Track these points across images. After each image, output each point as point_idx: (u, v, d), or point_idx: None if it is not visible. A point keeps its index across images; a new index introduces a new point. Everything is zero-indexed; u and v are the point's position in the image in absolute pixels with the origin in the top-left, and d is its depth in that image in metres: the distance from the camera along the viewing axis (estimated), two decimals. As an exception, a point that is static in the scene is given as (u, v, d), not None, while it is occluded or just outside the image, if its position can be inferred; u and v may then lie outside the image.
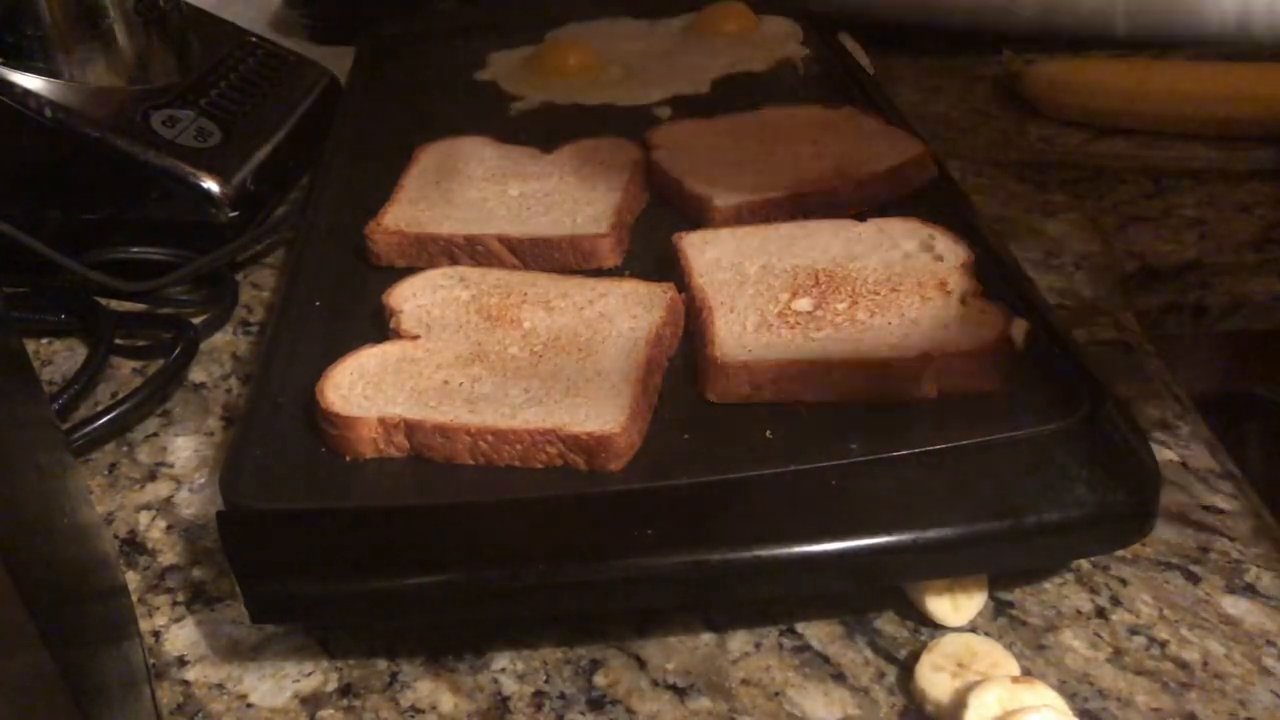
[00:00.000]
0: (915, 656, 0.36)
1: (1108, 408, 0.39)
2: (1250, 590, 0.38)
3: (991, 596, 0.38)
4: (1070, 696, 0.35)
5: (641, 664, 0.37)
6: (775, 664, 0.37)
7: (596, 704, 0.36)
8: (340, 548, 0.37)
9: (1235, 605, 0.38)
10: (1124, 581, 0.39)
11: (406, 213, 0.53)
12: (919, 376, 0.40)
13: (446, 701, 0.37)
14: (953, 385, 0.40)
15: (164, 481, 0.47)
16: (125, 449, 0.49)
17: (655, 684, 0.37)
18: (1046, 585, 0.39)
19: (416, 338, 0.44)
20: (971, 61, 0.77)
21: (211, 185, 0.58)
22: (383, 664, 0.38)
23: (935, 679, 0.35)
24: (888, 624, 0.38)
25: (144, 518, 0.45)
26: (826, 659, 0.37)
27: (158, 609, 0.41)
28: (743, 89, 0.66)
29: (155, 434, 0.49)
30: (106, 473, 0.47)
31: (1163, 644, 0.37)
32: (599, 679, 0.37)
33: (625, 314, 0.44)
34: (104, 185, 0.58)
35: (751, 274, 0.46)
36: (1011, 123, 0.70)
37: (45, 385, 0.52)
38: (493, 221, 0.52)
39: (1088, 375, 0.40)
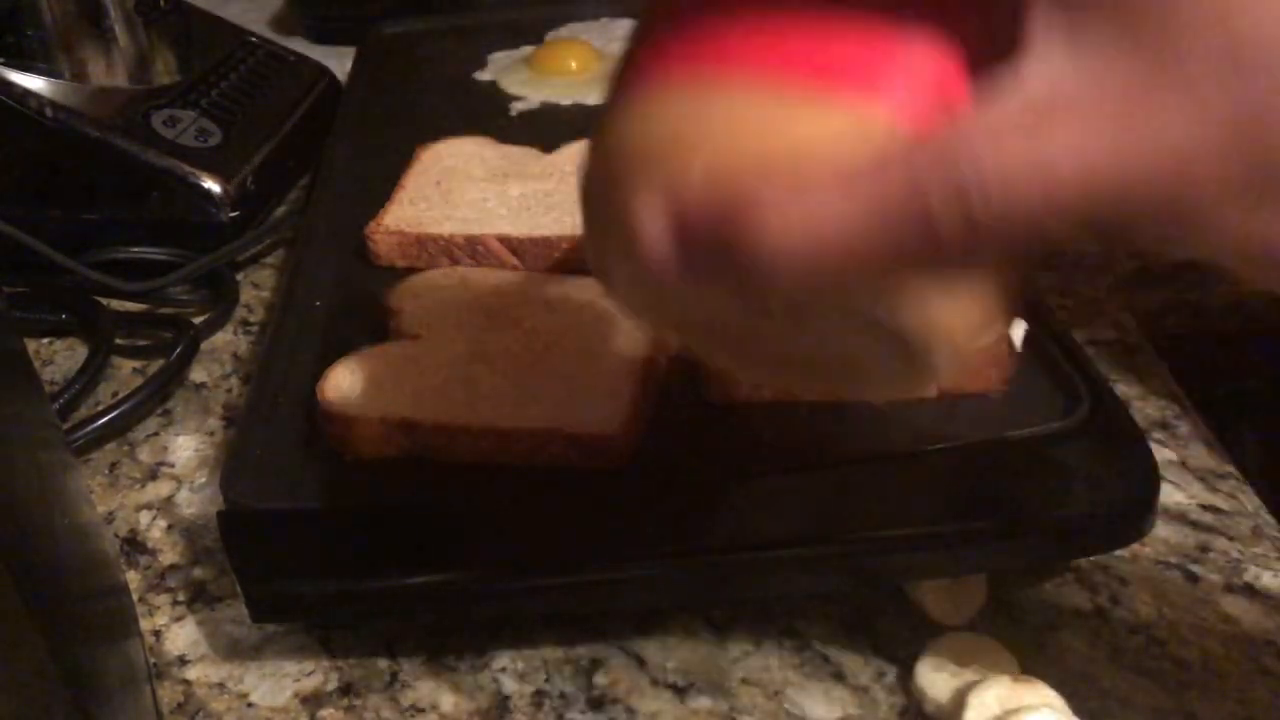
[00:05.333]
0: (915, 656, 0.36)
1: (1107, 407, 0.39)
2: (1250, 590, 0.38)
3: (991, 596, 0.38)
4: (1070, 696, 0.35)
5: (642, 663, 0.37)
6: (775, 663, 0.37)
7: (596, 703, 0.36)
8: (340, 547, 0.37)
9: (1234, 605, 0.38)
10: (1124, 581, 0.39)
11: (406, 213, 0.53)
12: (919, 376, 0.40)
13: (447, 701, 0.37)
14: (952, 385, 0.40)
15: (164, 481, 0.47)
16: (126, 449, 0.49)
17: (655, 683, 0.37)
18: (1046, 585, 0.39)
19: (417, 337, 0.44)
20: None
21: (212, 185, 0.58)
22: (383, 663, 0.38)
23: (935, 678, 0.35)
24: (888, 623, 0.38)
25: (144, 517, 0.45)
26: (826, 658, 0.37)
27: (158, 608, 0.41)
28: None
29: (156, 434, 0.49)
30: (107, 472, 0.47)
31: (1162, 643, 0.37)
32: (599, 678, 0.37)
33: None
34: (104, 185, 0.58)
35: (751, 274, 0.46)
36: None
37: (45, 385, 0.52)
38: (493, 221, 0.52)
39: (1087, 375, 0.40)
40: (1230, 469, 0.43)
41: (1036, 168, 0.19)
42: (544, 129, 0.62)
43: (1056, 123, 0.19)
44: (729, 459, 0.38)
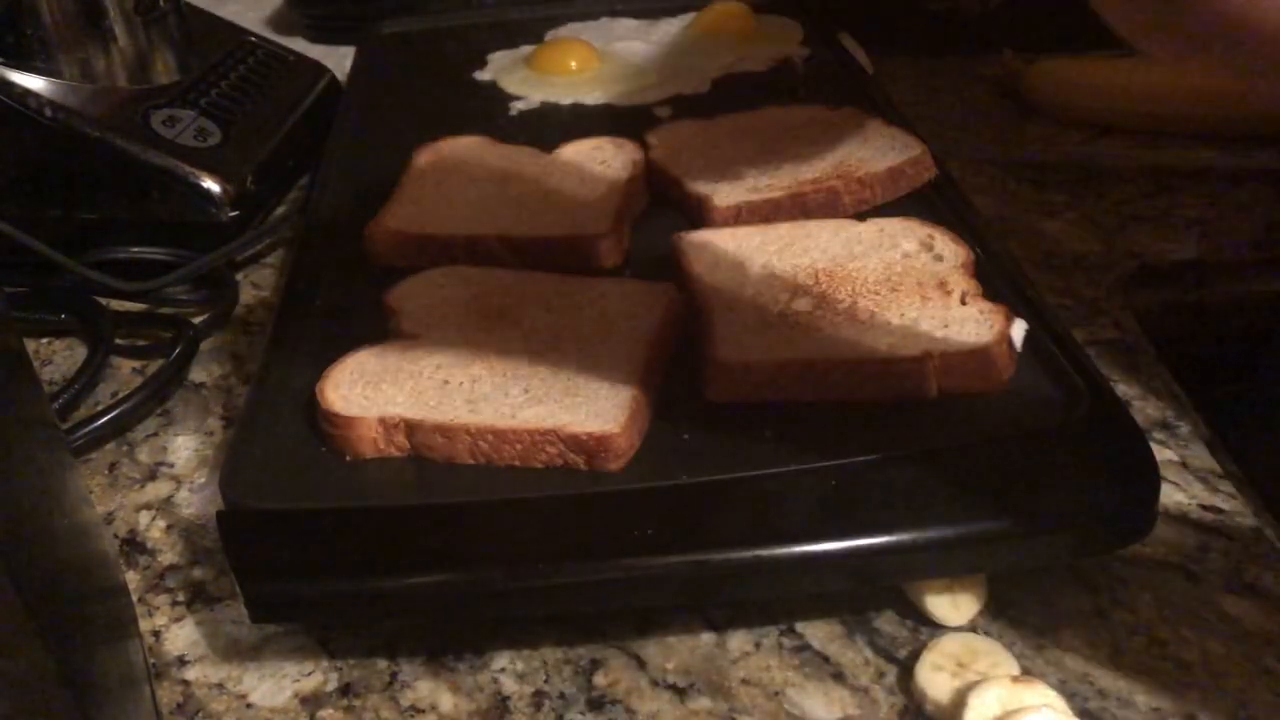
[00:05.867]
0: (915, 656, 0.36)
1: (1107, 407, 0.39)
2: (1250, 590, 0.38)
3: (991, 596, 0.38)
4: (1070, 696, 0.35)
5: (641, 664, 0.37)
6: (775, 663, 0.37)
7: (596, 704, 0.36)
8: (340, 547, 0.37)
9: (1235, 605, 0.38)
10: (1124, 581, 0.39)
11: (406, 213, 0.53)
12: (919, 376, 0.40)
13: (446, 701, 0.37)
14: (953, 385, 0.40)
15: (164, 481, 0.47)
16: (125, 449, 0.49)
17: (655, 684, 0.37)
18: (1046, 585, 0.39)
19: (416, 337, 0.44)
20: (971, 61, 0.77)
21: (211, 185, 0.58)
22: (383, 664, 0.38)
23: (935, 678, 0.35)
24: (888, 624, 0.38)
25: (144, 517, 0.45)
26: (826, 658, 0.37)
27: (158, 608, 0.41)
28: (743, 89, 0.66)
29: (155, 434, 0.49)
30: (106, 472, 0.47)
31: (1163, 643, 0.37)
32: (599, 679, 0.37)
33: (625, 314, 0.44)
34: (104, 185, 0.58)
35: (751, 274, 0.46)
36: (1011, 123, 0.70)
37: (45, 385, 0.52)
38: (493, 221, 0.52)
39: (1087, 375, 0.40)
40: (1231, 469, 0.43)
41: None
42: (544, 128, 0.62)
43: None
44: (729, 459, 0.38)
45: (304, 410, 0.42)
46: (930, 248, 0.46)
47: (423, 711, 0.36)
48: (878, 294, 0.44)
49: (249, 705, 0.37)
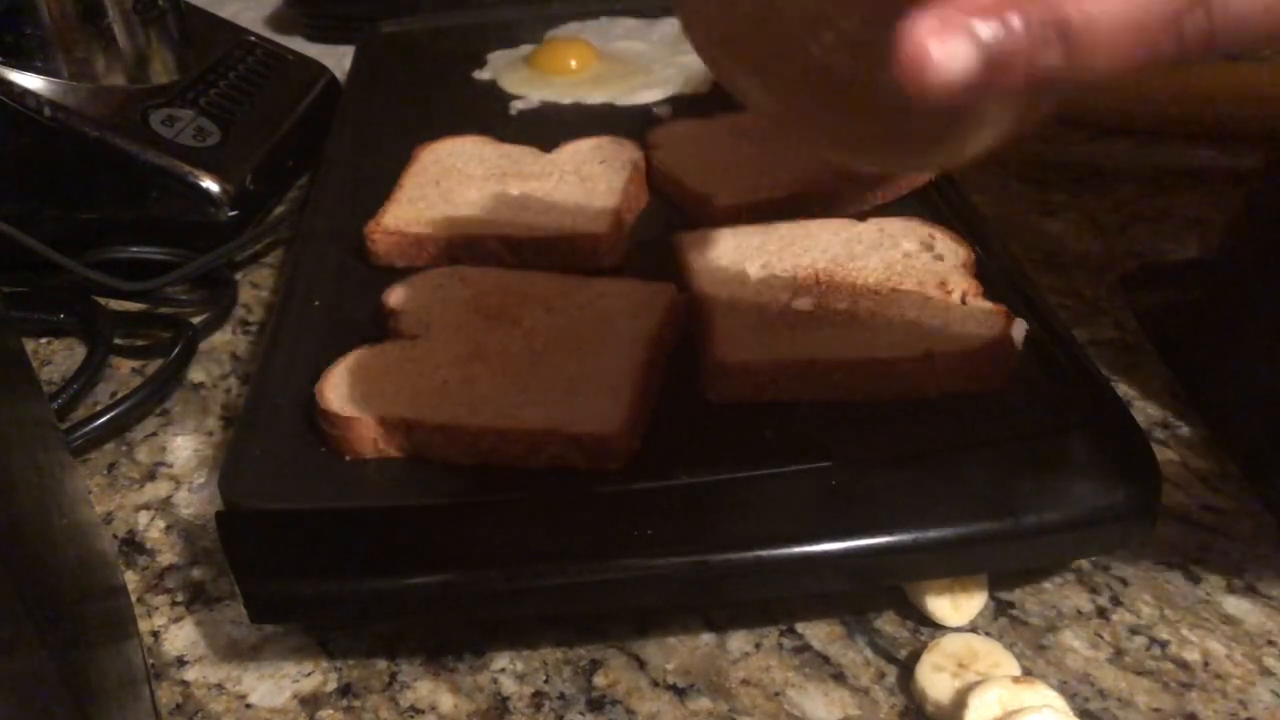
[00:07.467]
0: (916, 656, 0.36)
1: (1108, 407, 0.39)
2: (1251, 590, 0.38)
3: (992, 596, 0.38)
4: (1071, 696, 0.35)
5: (641, 664, 0.37)
6: (775, 664, 0.37)
7: (596, 704, 0.36)
8: (340, 548, 0.37)
9: (1236, 605, 0.38)
10: (1125, 581, 0.39)
11: (406, 212, 0.53)
12: (919, 376, 0.40)
13: (446, 701, 0.37)
14: (953, 385, 0.40)
15: (163, 481, 0.47)
16: (124, 449, 0.49)
17: (655, 684, 0.37)
18: (1047, 585, 0.39)
19: (416, 337, 0.44)
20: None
21: (210, 184, 0.58)
22: (382, 664, 0.38)
23: (936, 679, 0.35)
24: (888, 624, 0.38)
25: (143, 517, 0.45)
26: (826, 659, 0.37)
27: (157, 609, 0.41)
28: (743, 89, 0.66)
29: (154, 434, 0.49)
30: (105, 472, 0.47)
31: (1163, 644, 0.37)
32: (599, 679, 0.37)
33: (625, 314, 0.44)
34: (103, 184, 0.58)
35: (751, 274, 0.46)
36: (1011, 122, 0.70)
37: (44, 385, 0.52)
38: (493, 221, 0.52)
39: (1088, 375, 0.40)
40: (1231, 469, 0.43)
41: None
42: (544, 128, 0.62)
43: None
44: (729, 459, 0.38)
45: (304, 410, 0.42)
46: (930, 247, 0.46)
47: (422, 712, 0.36)
48: (878, 294, 0.44)
49: (248, 706, 0.37)
